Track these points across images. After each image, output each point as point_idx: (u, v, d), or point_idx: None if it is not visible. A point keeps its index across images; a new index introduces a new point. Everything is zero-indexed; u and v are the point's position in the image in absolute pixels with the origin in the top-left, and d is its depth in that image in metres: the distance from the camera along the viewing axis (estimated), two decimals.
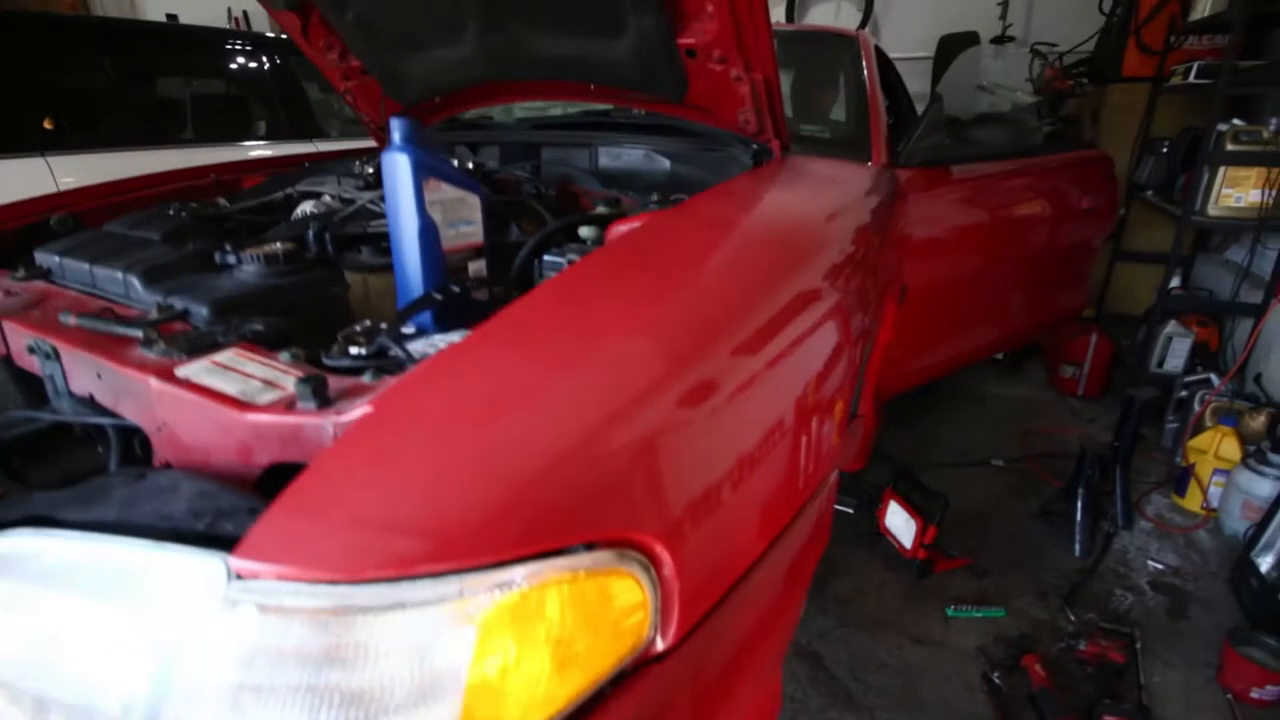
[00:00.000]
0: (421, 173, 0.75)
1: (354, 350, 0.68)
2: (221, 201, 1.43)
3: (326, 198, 1.28)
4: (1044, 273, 2.38)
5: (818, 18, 5.04)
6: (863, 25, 5.04)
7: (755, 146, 1.47)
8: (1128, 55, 3.03)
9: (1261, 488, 2.04)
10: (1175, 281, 2.89)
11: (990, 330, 2.28)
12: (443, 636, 0.41)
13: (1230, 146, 2.29)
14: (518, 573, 0.43)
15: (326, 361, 0.65)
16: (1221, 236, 2.90)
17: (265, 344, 0.66)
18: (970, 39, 4.63)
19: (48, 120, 2.55)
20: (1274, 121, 2.31)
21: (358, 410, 0.54)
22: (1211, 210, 2.42)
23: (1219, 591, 1.92)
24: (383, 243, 1.00)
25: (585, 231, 1.20)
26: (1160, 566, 2.00)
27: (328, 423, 0.55)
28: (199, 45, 3.40)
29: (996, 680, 1.56)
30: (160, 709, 0.40)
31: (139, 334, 0.64)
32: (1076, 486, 2.11)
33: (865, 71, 1.94)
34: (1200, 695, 1.57)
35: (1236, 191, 2.36)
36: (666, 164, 1.54)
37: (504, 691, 0.42)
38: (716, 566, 0.56)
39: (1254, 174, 2.32)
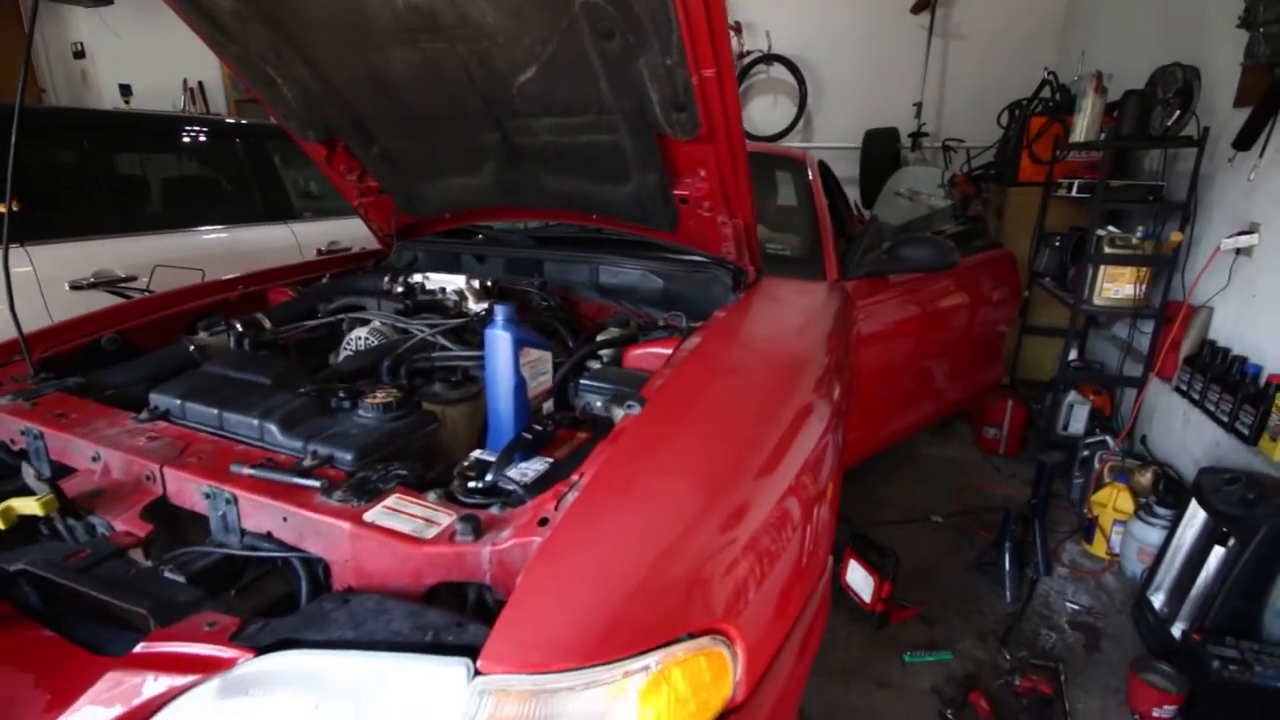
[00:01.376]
0: (518, 345, 0.98)
1: (470, 484, 0.89)
2: (263, 320, 1.60)
3: (377, 324, 1.48)
4: (967, 353, 2.78)
5: (757, 111, 5.61)
6: (797, 119, 5.64)
7: (733, 269, 1.76)
8: (1023, 163, 3.60)
9: (1152, 535, 2.43)
10: (1073, 354, 3.37)
11: (926, 405, 2.64)
12: (613, 704, 0.62)
13: (1107, 250, 2.79)
14: (653, 658, 0.66)
15: (460, 498, 0.86)
16: (1107, 316, 3.42)
17: (411, 486, 0.86)
18: (891, 134, 5.27)
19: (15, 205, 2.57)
20: (1140, 230, 2.83)
21: (508, 540, 0.76)
22: (1096, 300, 2.90)
23: (1124, 626, 2.26)
24: (452, 376, 1.21)
25: (606, 353, 1.45)
26: (1076, 607, 2.33)
27: (485, 550, 0.76)
28: (181, 131, 3.51)
29: (949, 717, 1.81)
30: None
31: (317, 484, 0.82)
32: (1004, 540, 2.44)
33: (813, 193, 2.31)
34: (1114, 718, 1.87)
35: (1115, 285, 2.85)
36: (660, 282, 1.81)
37: None
38: (765, 640, 0.79)
39: (1127, 271, 2.82)
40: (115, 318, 1.55)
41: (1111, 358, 3.36)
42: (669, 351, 1.35)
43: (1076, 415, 3.13)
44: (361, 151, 1.84)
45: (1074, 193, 3.00)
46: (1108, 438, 2.96)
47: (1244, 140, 2.24)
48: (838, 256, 2.08)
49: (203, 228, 3.16)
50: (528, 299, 1.82)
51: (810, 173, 2.39)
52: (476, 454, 1.00)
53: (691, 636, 0.69)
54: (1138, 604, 2.31)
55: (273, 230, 3.44)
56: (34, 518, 0.87)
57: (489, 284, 1.76)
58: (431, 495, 0.84)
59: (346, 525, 0.78)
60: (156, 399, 1.08)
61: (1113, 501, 2.60)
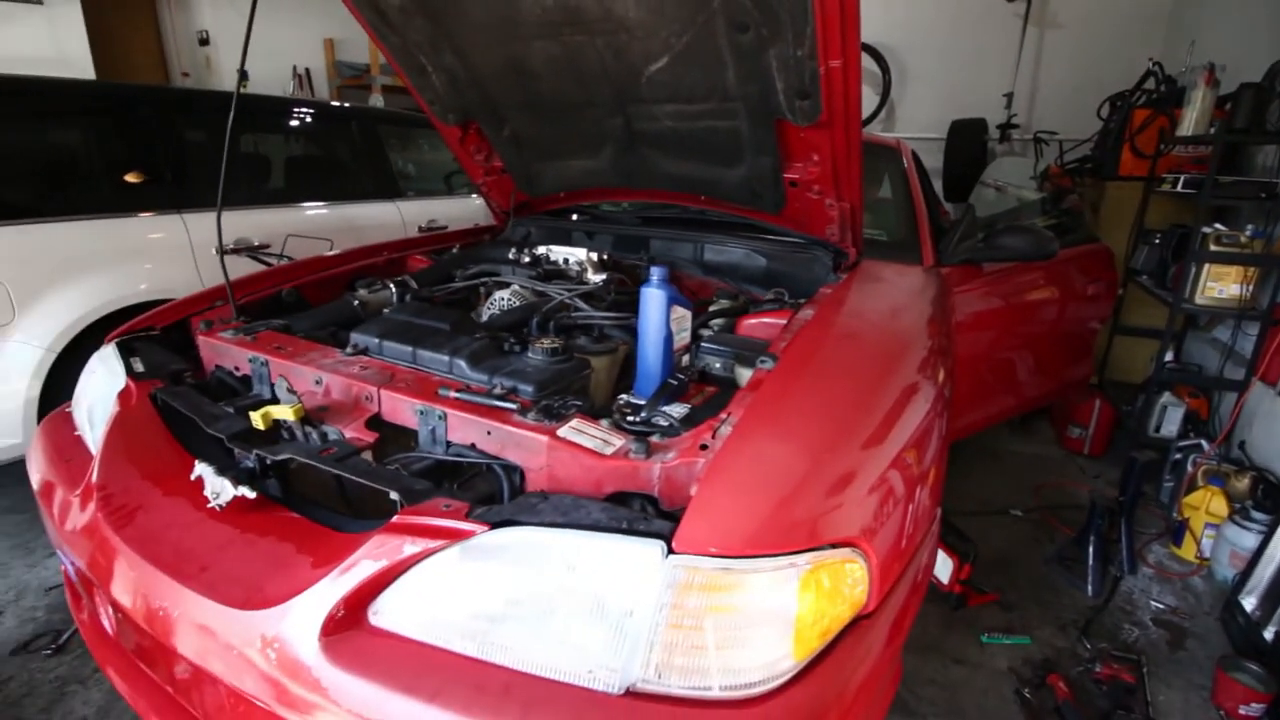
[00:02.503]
0: (670, 302, 1.12)
1: (630, 418, 1.04)
2: (410, 281, 1.80)
3: (516, 287, 1.66)
4: (1055, 348, 2.77)
5: None
6: (880, 107, 5.59)
7: (835, 250, 1.85)
8: (1124, 157, 3.50)
9: (1246, 540, 2.38)
10: (1169, 356, 3.28)
11: (1011, 397, 2.65)
12: (779, 589, 0.76)
13: (1213, 247, 2.71)
14: (806, 558, 0.78)
15: (625, 426, 1.01)
16: (1209, 317, 3.31)
17: (586, 414, 1.01)
18: (978, 125, 5.16)
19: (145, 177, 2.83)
20: (1250, 229, 2.74)
21: (675, 460, 0.90)
22: (1198, 299, 2.82)
23: (1211, 628, 2.23)
24: (593, 333, 1.36)
25: (717, 322, 1.57)
26: (1161, 606, 2.32)
27: (656, 466, 0.90)
28: (307, 115, 3.84)
29: (1027, 695, 1.87)
30: (623, 622, 0.75)
31: (514, 407, 0.99)
32: (1088, 535, 2.44)
33: (909, 180, 2.37)
34: (1197, 712, 1.88)
35: (1219, 285, 2.77)
36: (762, 261, 1.92)
37: (807, 620, 0.77)
38: (889, 565, 0.91)
39: (1233, 271, 2.73)
40: (288, 274, 1.79)
41: (1209, 360, 3.25)
42: (781, 321, 1.46)
43: (1170, 417, 3.06)
44: (493, 134, 2.02)
45: (1179, 188, 2.91)
46: (1203, 441, 2.89)
47: None
48: (933, 243, 2.13)
49: (321, 203, 3.45)
50: (636, 272, 1.96)
51: (905, 159, 2.44)
52: (625, 397, 1.15)
53: (834, 546, 0.82)
54: (1228, 606, 2.28)
55: (381, 207, 3.72)
56: (278, 424, 1.07)
57: (604, 257, 1.91)
58: (604, 422, 0.99)
59: (544, 438, 0.94)
60: (357, 338, 1.28)
61: (1205, 505, 2.55)
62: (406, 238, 2.23)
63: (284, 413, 1.03)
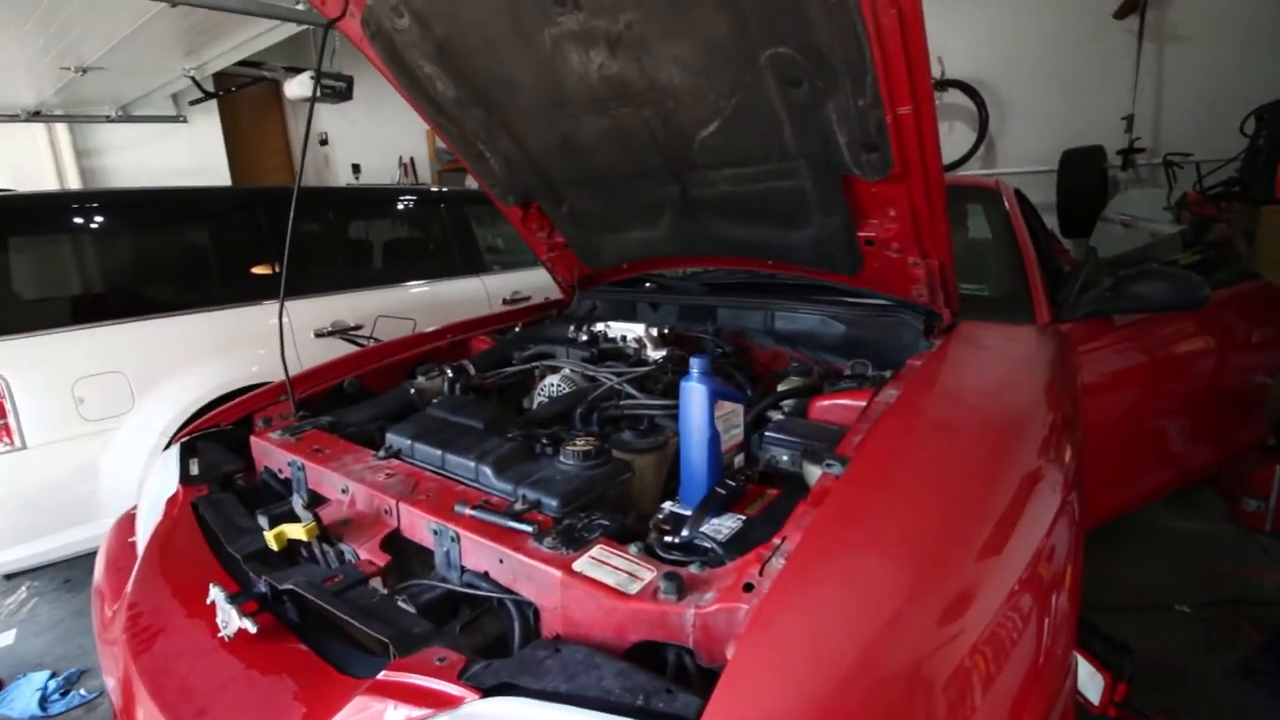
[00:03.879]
0: (713, 398, 0.98)
1: (667, 539, 0.89)
2: (468, 366, 1.76)
3: (567, 371, 1.57)
4: (1216, 409, 2.31)
5: None
6: (977, 145, 5.24)
7: (925, 312, 1.63)
8: (1279, 176, 3.00)
9: None
10: None
11: (1163, 470, 2.22)
12: None
13: None
14: None
15: (659, 552, 0.86)
16: None
17: (613, 536, 0.87)
18: (1095, 153, 4.68)
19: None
20: None
21: (712, 605, 0.73)
22: None
23: None
24: (640, 424, 1.23)
25: (788, 403, 1.39)
26: None
27: (689, 612, 0.74)
28: (397, 200, 4.09)
29: None
30: None
31: (529, 529, 0.87)
32: None
33: (1013, 224, 2.10)
34: None
35: None
36: (841, 328, 1.73)
37: None
38: None
39: None
40: (354, 364, 1.80)
41: None
42: (860, 403, 1.27)
43: None
44: (553, 211, 2.00)
45: None
46: None
47: None
48: (1048, 295, 1.84)
49: (413, 282, 3.61)
50: (702, 346, 1.83)
51: (1006, 202, 2.18)
52: (669, 506, 0.99)
53: None
54: None
55: (467, 283, 3.85)
56: (298, 542, 1.02)
57: (665, 331, 1.79)
58: (633, 548, 0.85)
59: (557, 573, 0.80)
60: (391, 439, 1.22)
61: None
62: (472, 318, 2.22)
63: (297, 532, 0.97)
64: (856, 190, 1.43)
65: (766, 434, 1.24)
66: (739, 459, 1.10)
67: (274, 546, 0.98)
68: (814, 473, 1.10)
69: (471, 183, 7.03)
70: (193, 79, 4.74)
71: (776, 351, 1.82)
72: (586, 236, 2.08)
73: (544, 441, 1.10)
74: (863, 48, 1.09)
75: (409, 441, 1.18)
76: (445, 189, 4.36)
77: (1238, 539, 2.73)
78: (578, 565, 0.80)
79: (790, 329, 1.82)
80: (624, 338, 1.77)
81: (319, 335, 3.02)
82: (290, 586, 0.88)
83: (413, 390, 1.64)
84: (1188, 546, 2.68)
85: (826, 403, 1.34)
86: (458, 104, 1.66)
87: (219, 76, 5.24)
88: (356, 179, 7.38)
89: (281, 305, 1.48)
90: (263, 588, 0.92)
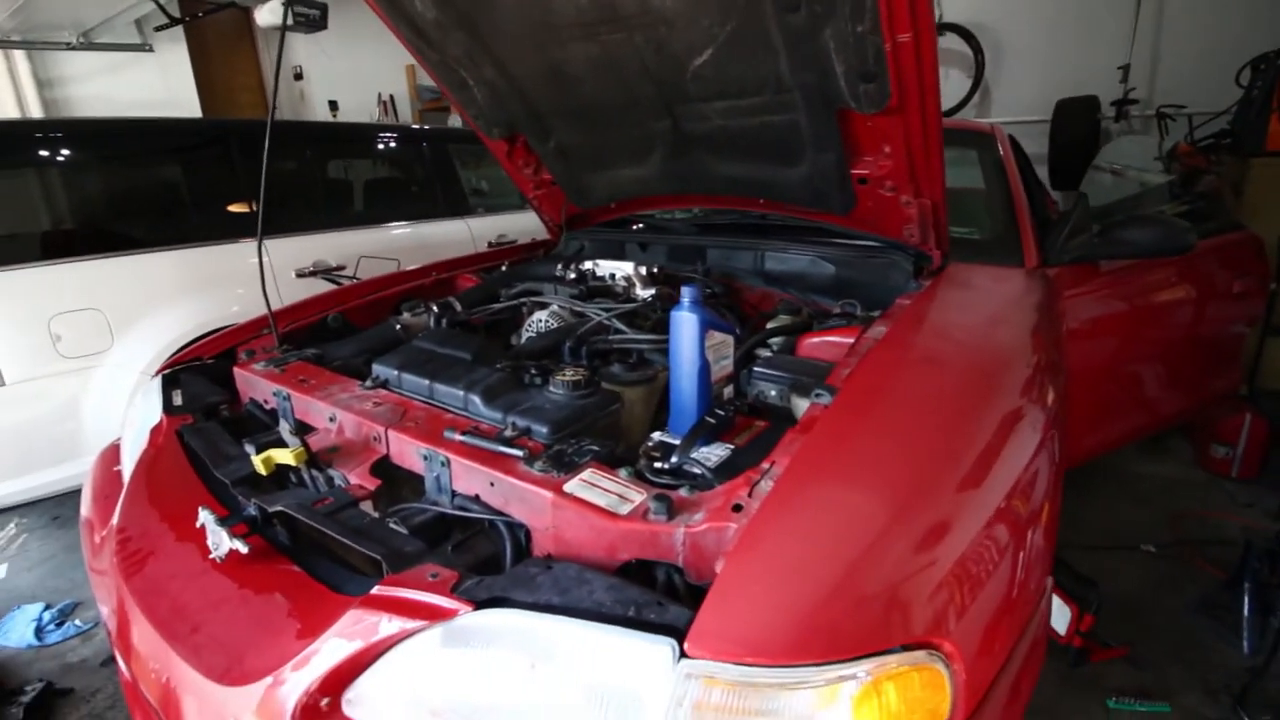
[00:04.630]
0: (703, 328, 0.97)
1: (657, 465, 0.89)
2: (455, 303, 1.74)
3: (555, 308, 1.55)
4: (1194, 357, 2.36)
5: None
6: (972, 92, 5.13)
7: (915, 253, 1.62)
8: (1272, 128, 2.98)
9: None
10: None
11: (1140, 415, 2.28)
12: (824, 709, 0.58)
13: None
14: (864, 666, 0.61)
15: (650, 478, 0.86)
16: None
17: (604, 461, 0.88)
18: (1090, 102, 4.61)
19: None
20: None
21: (702, 524, 0.74)
22: None
23: None
24: (629, 358, 1.23)
25: (776, 341, 1.39)
26: None
27: (679, 531, 0.75)
28: (378, 138, 3.95)
29: None
30: None
31: (520, 454, 0.87)
32: (1242, 577, 2.04)
33: (1006, 170, 2.07)
34: None
35: None
36: (831, 269, 1.72)
37: None
38: (980, 665, 0.71)
39: None
40: (337, 300, 1.77)
41: None
42: (848, 340, 1.27)
43: None
44: (539, 146, 1.94)
45: None
46: None
47: None
48: (1037, 240, 1.84)
49: (395, 223, 3.52)
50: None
51: (1001, 148, 2.15)
52: (658, 435, 1.00)
53: (906, 649, 0.63)
54: None
55: (451, 225, 3.76)
56: (287, 467, 1.01)
57: (654, 270, 1.78)
58: (623, 472, 0.85)
59: (548, 494, 0.81)
60: (378, 369, 1.21)
61: None
62: (457, 257, 2.18)
63: (285, 456, 0.97)
64: (852, 125, 1.40)
65: (755, 369, 1.25)
66: (728, 390, 1.11)
67: (262, 471, 0.98)
68: (802, 406, 1.11)
69: (456, 121, 6.81)
70: (156, 1, 4.48)
71: (766, 292, 1.81)
72: (575, 173, 2.02)
73: (533, 372, 1.09)
74: None
75: (395, 372, 1.17)
76: (428, 127, 4.20)
77: (1206, 483, 2.84)
78: (568, 487, 0.81)
79: (780, 270, 1.80)
80: (613, 276, 1.75)
81: (300, 275, 2.95)
82: (281, 509, 0.88)
83: (398, 326, 1.62)
84: (1156, 490, 2.78)
85: (815, 340, 1.35)
86: (438, 26, 1.58)
87: (185, 1, 4.95)
88: (334, 117, 7.10)
89: (260, 228, 1.43)
90: (252, 510, 0.92)
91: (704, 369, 0.96)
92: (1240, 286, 2.38)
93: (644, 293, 1.69)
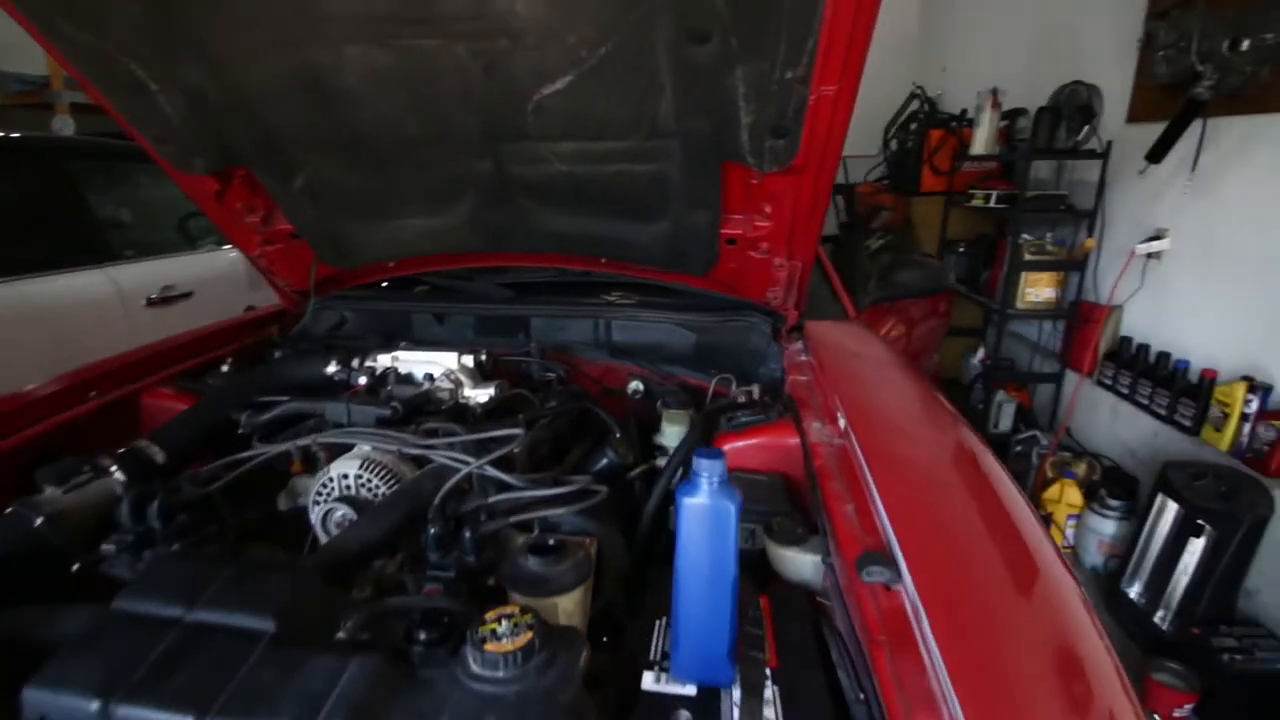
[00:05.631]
0: (738, 518, 0.62)
1: None
2: (150, 450, 1.05)
3: (369, 452, 1.00)
4: (925, 352, 2.79)
5: None
6: None
7: (772, 315, 1.50)
8: (924, 174, 3.75)
9: (1108, 527, 2.57)
10: (981, 354, 3.58)
11: None
12: None
13: (1028, 256, 2.93)
14: None
15: None
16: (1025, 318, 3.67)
17: None
18: None
19: None
20: (1049, 236, 3.02)
21: None
22: (1019, 304, 3.05)
23: (1103, 619, 2.34)
24: (550, 539, 0.81)
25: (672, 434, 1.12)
26: None
27: None
28: None
29: None
30: None
31: None
32: None
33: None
34: None
35: (1035, 289, 3.02)
36: (691, 336, 1.50)
37: None
38: None
39: (1046, 276, 2.99)
40: None
41: (1018, 355, 3.59)
42: (788, 440, 1.07)
43: (1004, 412, 3.30)
44: (276, 184, 1.33)
45: (992, 203, 3.14)
46: (1036, 433, 3.14)
47: (1157, 153, 2.41)
48: (847, 291, 1.91)
49: None
50: (526, 371, 1.43)
51: None
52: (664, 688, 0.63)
53: None
54: (1112, 596, 2.42)
55: (82, 278, 2.59)
56: None
57: (482, 358, 1.34)
58: None
59: None
60: (35, 698, 0.56)
61: (1063, 497, 2.72)
62: (127, 352, 1.39)
63: None
64: (731, 181, 1.20)
65: (683, 500, 0.96)
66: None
67: None
68: (787, 557, 0.86)
69: (66, 127, 4.84)
70: None
71: (610, 367, 1.52)
72: (333, 223, 1.45)
73: (422, 639, 0.61)
74: (816, 2, 0.83)
75: (92, 705, 0.55)
76: (31, 135, 2.82)
77: None
78: None
79: (630, 340, 1.53)
80: (430, 377, 1.26)
81: None
82: None
83: (39, 520, 0.88)
84: None
85: (739, 444, 1.11)
86: None
87: None
88: None
89: None
90: None
91: (734, 583, 0.62)
92: (943, 307, 2.89)
93: (478, 393, 1.25)
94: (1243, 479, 2.09)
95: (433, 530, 0.81)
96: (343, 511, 0.93)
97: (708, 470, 0.62)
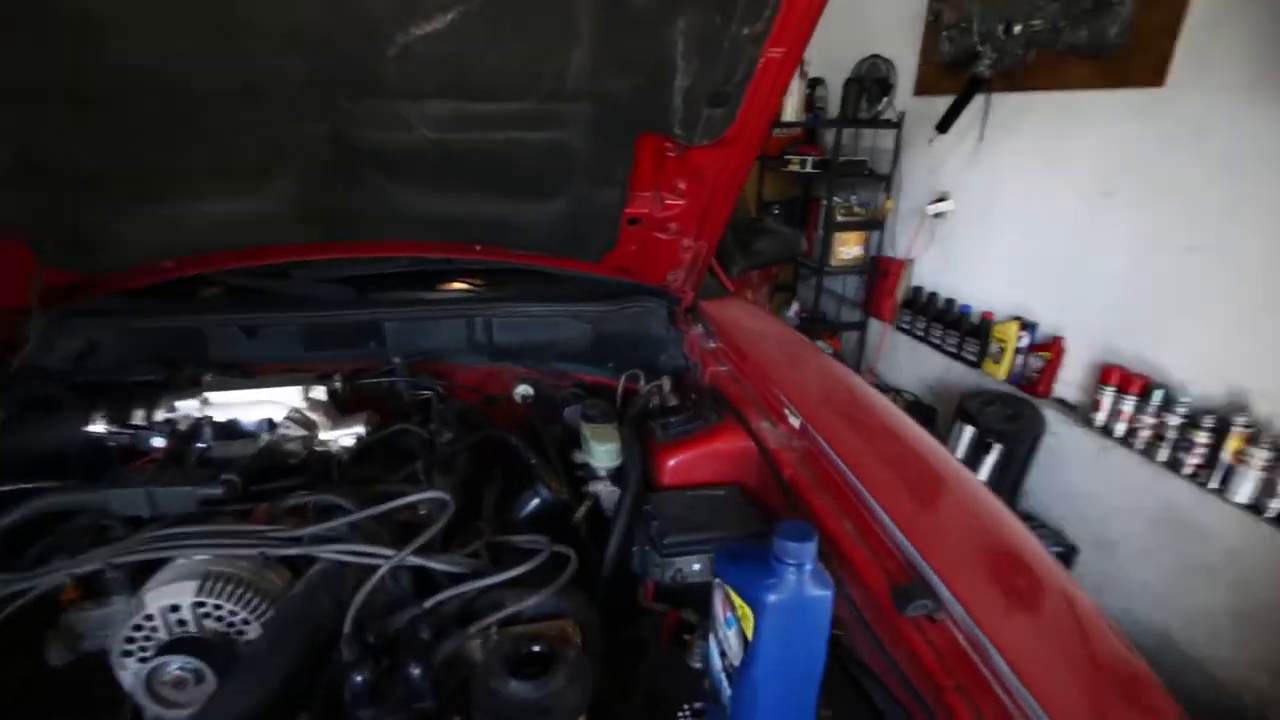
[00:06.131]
0: (832, 604, 0.47)
1: None
2: None
3: (199, 557, 0.66)
4: None
5: None
6: None
7: (669, 298, 1.38)
8: None
9: None
10: (796, 307, 3.86)
11: None
12: None
13: (840, 218, 3.17)
14: None
15: None
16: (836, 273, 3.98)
17: None
18: None
19: None
20: (853, 198, 3.29)
21: None
22: (834, 262, 3.31)
23: None
24: (532, 643, 0.59)
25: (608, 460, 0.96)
26: None
27: None
28: None
29: None
30: None
31: None
32: None
33: None
34: None
35: (846, 248, 3.29)
36: (589, 328, 1.32)
37: None
38: None
39: (854, 235, 3.27)
40: None
41: (827, 308, 3.93)
42: (733, 445, 0.97)
43: None
44: None
45: (808, 168, 3.32)
46: None
47: (945, 124, 2.71)
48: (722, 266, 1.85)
49: None
50: (393, 393, 1.14)
51: None
52: None
53: None
54: None
55: None
56: None
57: (336, 385, 1.03)
58: None
59: None
60: None
61: None
62: None
63: None
64: (645, 155, 1.03)
65: (665, 543, 0.82)
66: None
67: None
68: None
69: None
70: None
71: (492, 371, 1.29)
72: (70, 211, 0.99)
73: None
74: None
75: None
76: None
77: None
78: None
79: (518, 340, 1.30)
80: (271, 423, 0.91)
81: None
82: None
83: None
84: None
85: (682, 457, 0.98)
86: None
87: None
88: None
89: None
90: None
91: (820, 679, 0.49)
92: (774, 269, 3.02)
93: (336, 435, 0.95)
94: (1022, 404, 2.50)
95: (358, 677, 0.56)
96: (180, 664, 0.62)
97: (796, 556, 0.48)
